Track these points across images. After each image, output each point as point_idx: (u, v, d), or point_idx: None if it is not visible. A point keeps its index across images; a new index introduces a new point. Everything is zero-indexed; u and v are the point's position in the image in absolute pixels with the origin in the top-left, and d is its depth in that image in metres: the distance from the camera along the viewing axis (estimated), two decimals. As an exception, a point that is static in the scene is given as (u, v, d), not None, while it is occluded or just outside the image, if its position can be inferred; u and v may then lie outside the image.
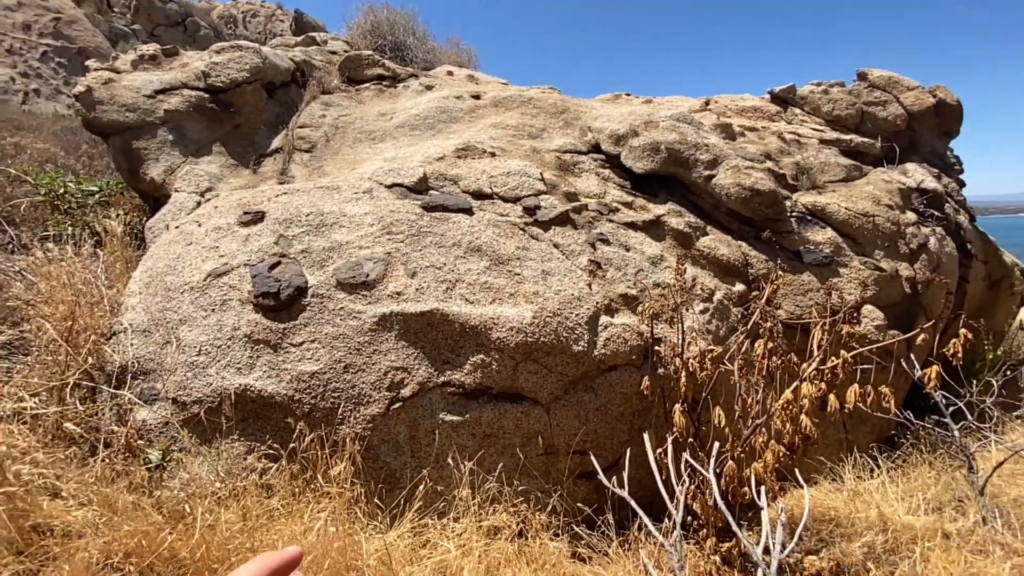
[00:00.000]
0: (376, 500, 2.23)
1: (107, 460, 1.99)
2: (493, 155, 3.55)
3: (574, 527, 2.43)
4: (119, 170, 4.01)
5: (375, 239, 2.69)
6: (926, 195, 4.37)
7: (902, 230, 3.92)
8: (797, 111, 5.03)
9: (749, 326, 2.67)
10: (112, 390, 2.24)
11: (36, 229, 3.55)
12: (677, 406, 2.41)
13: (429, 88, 4.78)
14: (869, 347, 2.44)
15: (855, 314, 2.57)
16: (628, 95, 5.17)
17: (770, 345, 2.52)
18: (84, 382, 2.26)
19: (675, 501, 2.15)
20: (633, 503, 2.15)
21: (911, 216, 4.10)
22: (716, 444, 2.32)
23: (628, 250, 3.14)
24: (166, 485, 2.00)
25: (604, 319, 2.73)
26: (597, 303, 2.75)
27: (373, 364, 2.36)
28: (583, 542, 2.41)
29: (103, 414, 2.17)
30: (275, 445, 2.19)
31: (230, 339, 2.35)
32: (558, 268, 2.84)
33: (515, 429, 2.47)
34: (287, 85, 4.52)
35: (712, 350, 2.57)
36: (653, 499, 2.31)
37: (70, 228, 3.53)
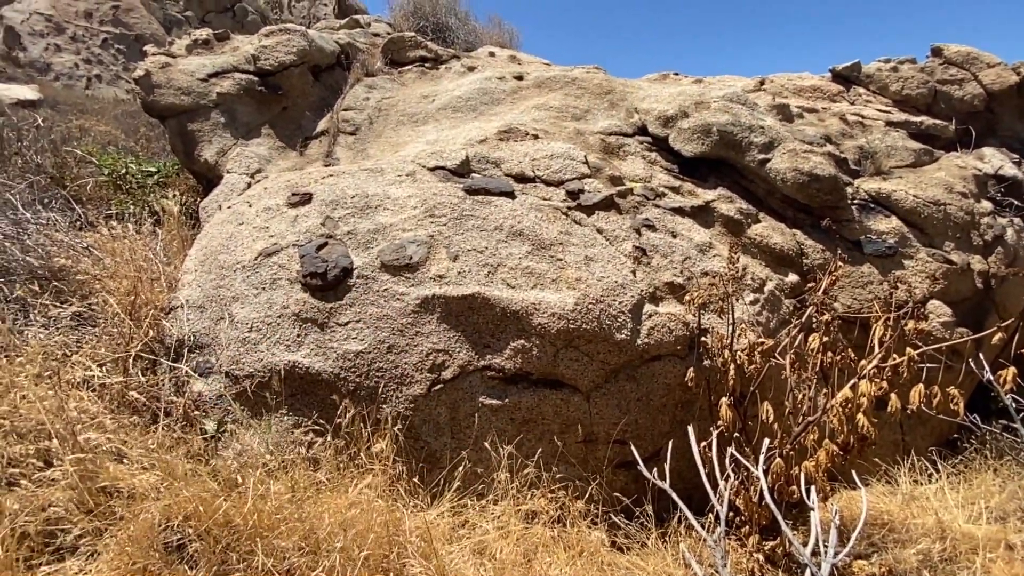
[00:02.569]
0: (416, 479, 2.26)
1: (167, 429, 2.10)
2: (536, 137, 3.49)
3: (612, 516, 2.41)
4: (175, 152, 4.16)
5: (418, 222, 2.70)
6: (1004, 183, 4.02)
7: (976, 220, 3.63)
8: (861, 91, 4.70)
9: (803, 319, 2.55)
10: (170, 363, 2.35)
11: (101, 207, 3.75)
12: (724, 399, 2.33)
13: (471, 69, 4.73)
14: (937, 345, 2.27)
15: (921, 309, 2.40)
16: (677, 74, 4.96)
17: (825, 339, 2.39)
18: (145, 354, 2.38)
19: (719, 496, 2.09)
20: (675, 496, 2.10)
21: (987, 205, 3.79)
22: (765, 440, 2.23)
23: (675, 236, 3.04)
24: (220, 455, 2.10)
25: (648, 307, 2.66)
26: (641, 291, 2.68)
27: (415, 346, 2.38)
28: (621, 532, 2.38)
29: (163, 385, 2.28)
30: (321, 421, 2.26)
31: (279, 317, 2.42)
32: (601, 254, 2.77)
33: (554, 415, 2.46)
34: (332, 68, 4.56)
35: (762, 343, 2.46)
36: (692, 492, 2.26)
37: (131, 207, 3.70)
